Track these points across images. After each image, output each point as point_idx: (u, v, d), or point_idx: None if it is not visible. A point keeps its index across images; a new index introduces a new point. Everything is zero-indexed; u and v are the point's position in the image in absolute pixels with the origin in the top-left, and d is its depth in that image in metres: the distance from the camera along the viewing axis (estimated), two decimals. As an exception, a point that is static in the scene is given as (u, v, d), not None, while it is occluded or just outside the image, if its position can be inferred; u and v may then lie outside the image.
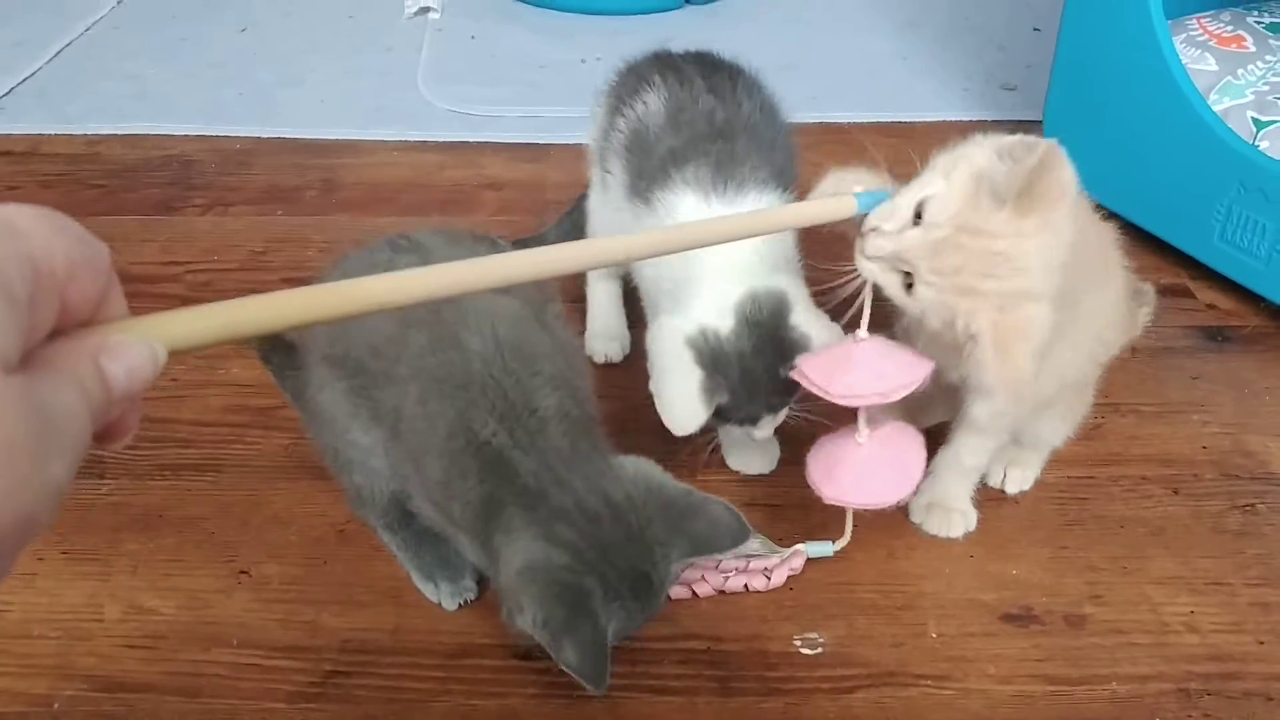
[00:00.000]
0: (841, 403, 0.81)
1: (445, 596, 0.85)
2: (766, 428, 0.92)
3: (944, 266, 0.75)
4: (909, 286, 0.78)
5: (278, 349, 1.08)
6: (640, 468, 0.80)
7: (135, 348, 0.39)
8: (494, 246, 0.89)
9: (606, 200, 1.04)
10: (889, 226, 0.77)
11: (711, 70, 1.01)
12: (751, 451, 0.99)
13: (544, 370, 0.79)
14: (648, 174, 0.95)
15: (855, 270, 0.80)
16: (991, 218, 0.75)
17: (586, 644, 0.71)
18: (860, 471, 0.85)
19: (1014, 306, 0.76)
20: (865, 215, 0.78)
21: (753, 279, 0.89)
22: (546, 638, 0.72)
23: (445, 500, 0.78)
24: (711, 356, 0.87)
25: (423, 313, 0.79)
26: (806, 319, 0.89)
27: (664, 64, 1.02)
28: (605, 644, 0.72)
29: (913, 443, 0.87)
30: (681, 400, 0.87)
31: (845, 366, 0.82)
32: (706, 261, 0.88)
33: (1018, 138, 0.76)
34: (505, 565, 0.74)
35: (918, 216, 0.77)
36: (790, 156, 1.01)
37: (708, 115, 0.96)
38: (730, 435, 0.97)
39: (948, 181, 0.77)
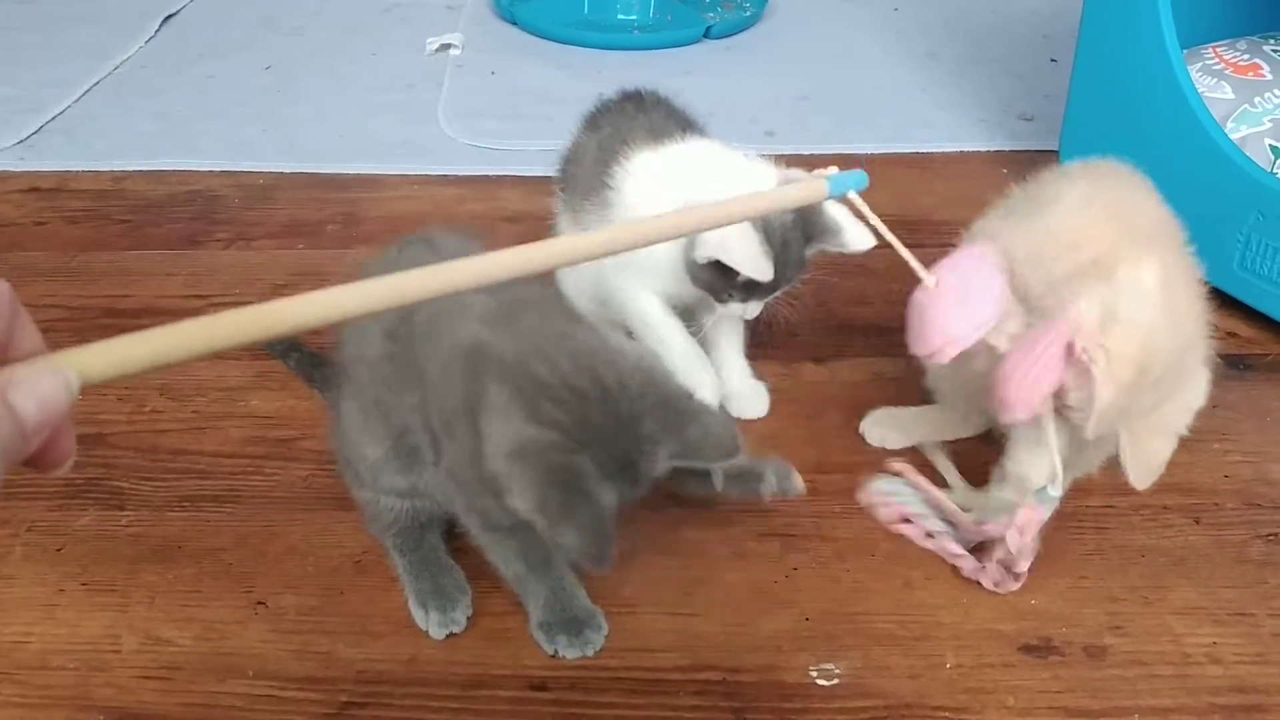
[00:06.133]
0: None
1: (433, 625, 0.85)
2: (757, 305, 1.00)
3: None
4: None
5: (295, 348, 1.10)
6: (642, 356, 0.80)
7: (43, 379, 0.40)
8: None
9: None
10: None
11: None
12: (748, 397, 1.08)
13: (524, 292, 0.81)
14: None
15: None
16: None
17: (586, 525, 0.71)
18: (939, 309, 0.82)
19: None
20: (837, 198, 0.78)
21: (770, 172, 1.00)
22: (543, 522, 0.71)
23: (462, 437, 0.76)
24: (763, 224, 0.94)
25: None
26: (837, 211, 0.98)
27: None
28: (605, 521, 0.72)
29: (985, 266, 0.84)
30: (756, 255, 0.94)
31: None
32: (714, 180, 0.97)
33: None
34: (493, 446, 0.73)
35: None
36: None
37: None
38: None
39: None
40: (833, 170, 0.76)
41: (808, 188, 0.76)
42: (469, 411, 0.75)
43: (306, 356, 1.09)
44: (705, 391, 1.02)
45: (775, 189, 0.82)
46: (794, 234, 0.96)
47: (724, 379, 1.07)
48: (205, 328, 0.44)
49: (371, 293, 0.50)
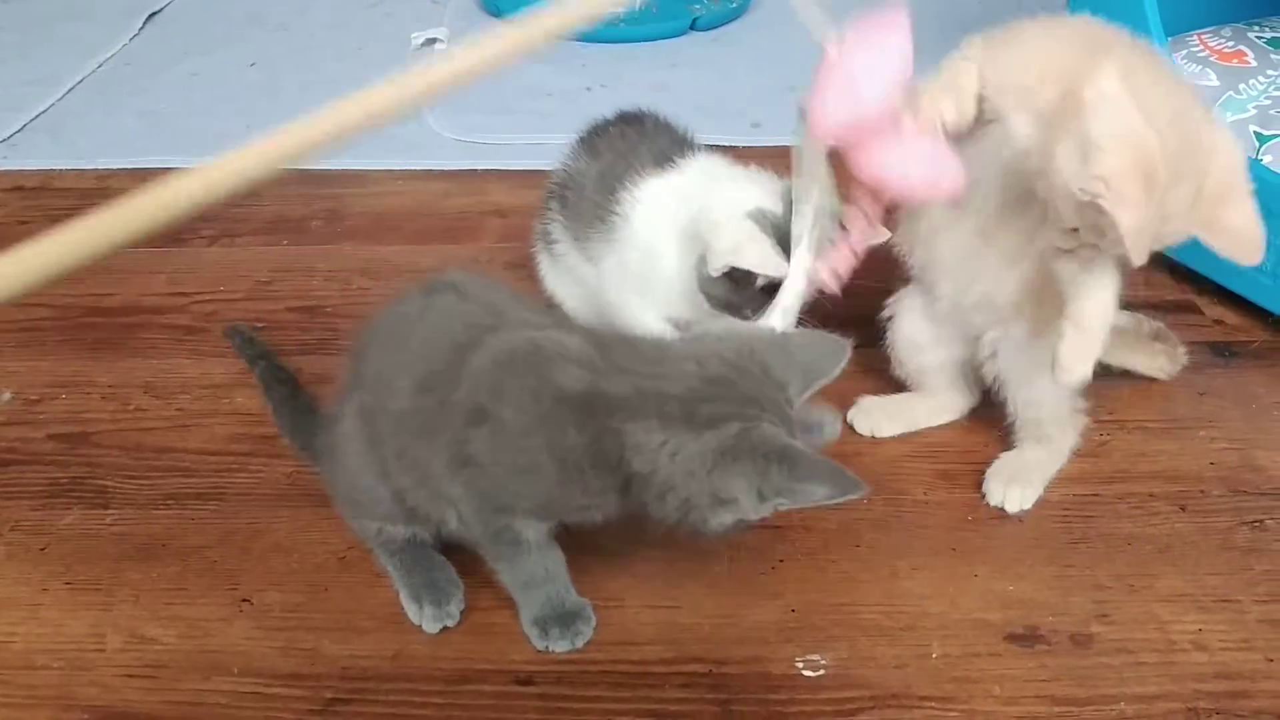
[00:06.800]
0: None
1: (427, 619, 0.85)
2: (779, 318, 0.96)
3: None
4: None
5: (264, 355, 1.09)
6: (720, 327, 0.83)
7: None
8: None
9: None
10: None
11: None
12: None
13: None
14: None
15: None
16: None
17: (819, 470, 0.72)
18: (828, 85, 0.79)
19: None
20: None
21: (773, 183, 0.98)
22: (785, 501, 0.72)
23: (566, 483, 0.76)
24: (773, 229, 0.93)
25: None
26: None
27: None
28: (825, 459, 0.72)
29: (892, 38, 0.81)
30: (770, 255, 0.92)
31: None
32: (718, 196, 0.98)
33: None
34: (683, 478, 0.73)
35: None
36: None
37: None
38: None
39: None
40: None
41: None
42: (595, 455, 0.75)
43: (272, 368, 1.08)
44: None
45: None
46: None
47: None
48: (99, 219, 0.44)
49: (261, 154, 0.49)
